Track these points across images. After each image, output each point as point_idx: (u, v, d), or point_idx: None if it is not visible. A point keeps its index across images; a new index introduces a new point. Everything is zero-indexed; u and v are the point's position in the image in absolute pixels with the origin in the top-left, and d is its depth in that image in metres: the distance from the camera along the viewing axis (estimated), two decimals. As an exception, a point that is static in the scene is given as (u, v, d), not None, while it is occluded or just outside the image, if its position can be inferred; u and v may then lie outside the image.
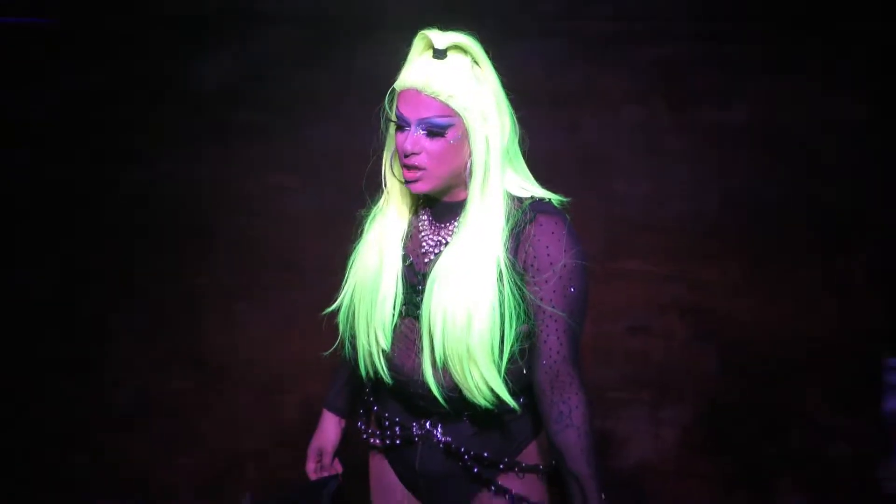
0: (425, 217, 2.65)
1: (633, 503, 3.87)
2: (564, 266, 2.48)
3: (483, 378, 2.53)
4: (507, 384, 2.57)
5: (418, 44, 2.58)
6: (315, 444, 3.01)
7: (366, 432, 2.87)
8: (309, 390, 3.91)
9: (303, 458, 3.64)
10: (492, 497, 2.71)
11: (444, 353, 2.59)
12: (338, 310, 2.75)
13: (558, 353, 2.52)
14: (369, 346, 2.74)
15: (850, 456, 3.78)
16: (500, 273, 2.57)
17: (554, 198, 2.61)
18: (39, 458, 4.00)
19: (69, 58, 3.80)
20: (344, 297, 2.75)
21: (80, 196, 3.86)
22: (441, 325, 2.57)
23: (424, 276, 2.67)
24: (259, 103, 3.81)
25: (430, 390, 2.64)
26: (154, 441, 4.00)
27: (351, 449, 3.05)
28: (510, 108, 2.59)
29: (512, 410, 2.58)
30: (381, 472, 2.89)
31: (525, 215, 2.52)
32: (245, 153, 3.84)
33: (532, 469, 2.67)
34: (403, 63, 2.59)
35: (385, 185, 2.72)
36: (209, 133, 3.83)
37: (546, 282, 2.47)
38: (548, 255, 2.47)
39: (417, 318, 2.66)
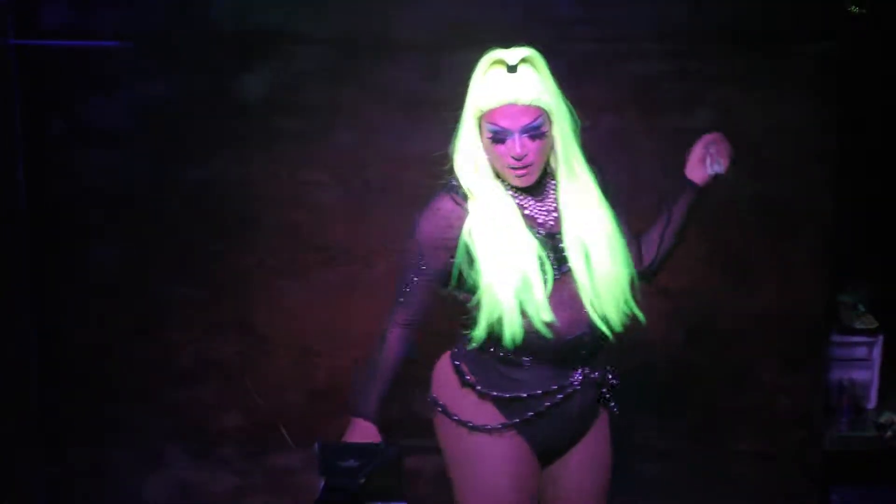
0: (522, 197, 2.92)
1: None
2: None
3: (628, 306, 2.92)
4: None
5: (486, 64, 2.84)
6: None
7: (495, 424, 2.97)
8: (339, 355, 4.07)
9: (332, 412, 4.02)
10: (603, 412, 3.09)
11: (604, 297, 2.88)
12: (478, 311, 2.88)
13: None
14: (530, 318, 2.84)
15: (793, 410, 4.02)
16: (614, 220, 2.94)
17: None
18: (112, 409, 4.13)
19: (139, 72, 3.91)
20: (486, 288, 2.85)
21: (148, 189, 3.98)
22: (597, 276, 2.88)
23: (558, 242, 2.90)
24: (296, 111, 3.91)
25: (598, 334, 2.90)
26: (209, 396, 4.12)
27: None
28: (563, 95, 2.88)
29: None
30: (507, 447, 2.98)
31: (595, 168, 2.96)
32: (284, 154, 3.94)
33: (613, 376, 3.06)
34: (469, 85, 2.84)
35: (466, 187, 2.87)
36: (254, 137, 3.93)
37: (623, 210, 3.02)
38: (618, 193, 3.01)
39: (566, 278, 2.89)
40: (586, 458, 3.10)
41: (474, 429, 3.00)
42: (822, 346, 4.06)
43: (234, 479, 4.23)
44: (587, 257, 2.89)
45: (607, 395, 3.06)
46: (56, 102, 3.98)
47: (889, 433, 4.10)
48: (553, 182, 2.94)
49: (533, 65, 2.85)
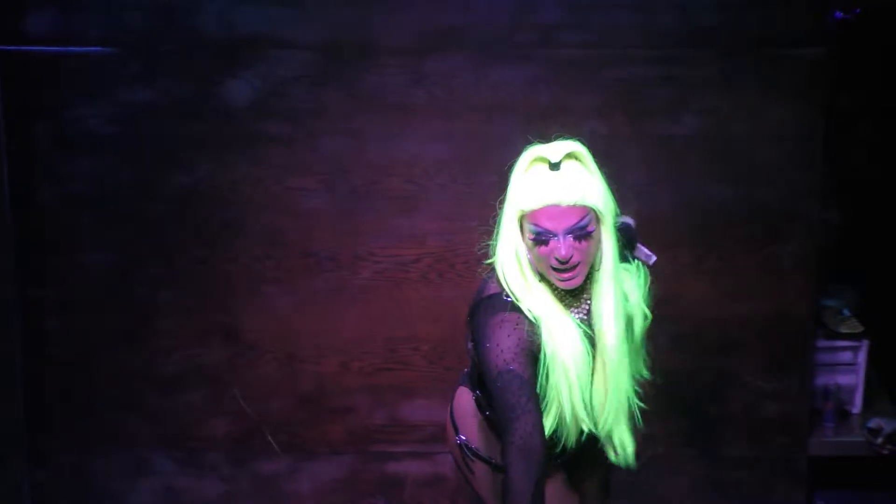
0: (565, 296, 2.80)
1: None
2: None
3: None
4: None
5: (527, 161, 2.68)
6: None
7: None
8: (323, 361, 4.08)
9: (318, 418, 4.03)
10: None
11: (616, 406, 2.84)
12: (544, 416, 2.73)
13: None
14: (579, 419, 2.78)
15: (778, 415, 4.02)
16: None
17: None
18: (97, 416, 4.12)
19: (124, 78, 3.90)
20: (552, 404, 2.74)
21: (133, 195, 3.97)
22: (613, 371, 2.81)
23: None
24: (281, 117, 3.89)
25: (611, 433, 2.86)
26: (195, 402, 4.10)
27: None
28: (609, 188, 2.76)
29: None
30: (557, 487, 2.96)
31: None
32: (269, 160, 3.92)
33: None
34: (511, 182, 2.70)
35: (514, 296, 2.73)
36: (240, 143, 3.92)
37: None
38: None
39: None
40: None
41: (497, 468, 2.93)
42: (808, 351, 4.05)
43: (221, 486, 4.22)
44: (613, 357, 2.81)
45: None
46: (41, 108, 3.97)
47: (880, 439, 4.10)
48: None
49: (578, 160, 2.71)
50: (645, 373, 2.98)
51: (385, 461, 4.16)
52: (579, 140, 2.73)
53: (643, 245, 3.01)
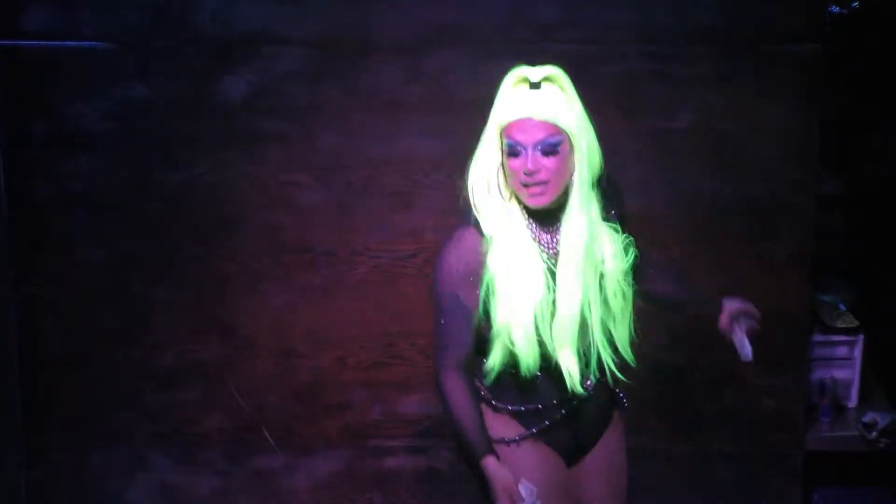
0: (532, 226, 2.89)
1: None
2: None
3: (621, 341, 2.96)
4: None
5: (511, 80, 2.82)
6: (500, 486, 2.88)
7: (517, 436, 2.99)
8: (320, 357, 4.08)
9: (314, 414, 4.04)
10: (618, 414, 3.13)
11: (593, 332, 2.90)
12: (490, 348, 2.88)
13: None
14: (541, 345, 2.85)
15: (775, 410, 4.02)
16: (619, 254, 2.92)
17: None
18: (94, 413, 4.12)
19: (120, 75, 3.90)
20: (504, 325, 2.83)
21: (130, 191, 3.97)
22: (587, 313, 2.87)
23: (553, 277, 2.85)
24: (278, 113, 3.90)
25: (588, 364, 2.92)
26: (191, 398, 4.10)
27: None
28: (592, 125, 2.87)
29: None
30: (534, 452, 3.00)
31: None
32: (266, 156, 3.93)
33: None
34: (494, 100, 2.83)
35: (477, 212, 2.85)
36: (236, 139, 3.92)
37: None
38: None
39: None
40: (604, 464, 3.14)
41: (494, 442, 2.97)
42: (803, 347, 4.06)
43: (218, 482, 4.22)
44: (583, 297, 2.87)
45: (620, 395, 3.12)
46: (37, 105, 3.97)
47: (874, 433, 4.11)
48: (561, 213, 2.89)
49: (558, 84, 2.83)
50: (628, 350, 2.99)
51: (382, 456, 4.16)
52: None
53: (747, 337, 3.06)
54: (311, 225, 4.01)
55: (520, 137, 2.78)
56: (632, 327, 2.97)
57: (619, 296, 2.94)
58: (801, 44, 3.83)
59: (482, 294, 2.84)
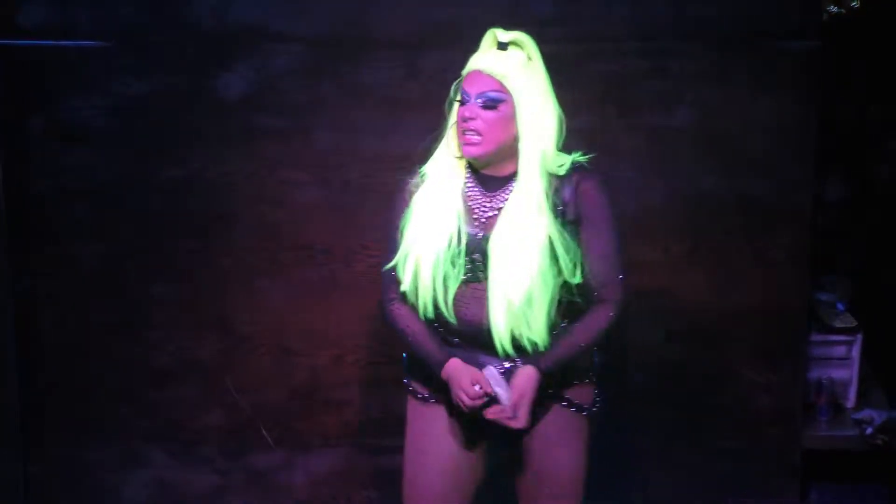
0: (476, 188, 2.99)
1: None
2: (609, 214, 2.96)
3: (538, 328, 2.92)
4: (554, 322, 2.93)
5: (486, 39, 2.96)
6: (467, 379, 2.96)
7: (429, 393, 3.13)
8: (318, 354, 4.09)
9: (312, 411, 4.04)
10: (560, 409, 3.07)
11: (507, 309, 2.89)
12: (398, 268, 3.01)
13: (609, 278, 2.97)
14: (436, 301, 2.95)
15: (772, 408, 4.01)
16: (550, 239, 2.90)
17: (583, 159, 2.99)
18: (92, 409, 4.13)
19: (118, 71, 3.92)
20: (402, 257, 2.99)
21: (127, 187, 3.97)
22: (504, 287, 2.89)
23: (484, 241, 2.93)
24: (276, 110, 3.91)
25: (497, 342, 2.93)
26: (188, 395, 4.11)
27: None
28: (556, 102, 2.96)
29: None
30: (437, 417, 3.13)
31: (574, 176, 2.92)
32: (264, 152, 3.93)
33: (582, 380, 3.09)
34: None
35: (433, 160, 3.03)
36: (233, 136, 3.93)
37: (598, 228, 2.94)
38: (599, 206, 2.94)
39: (480, 279, 2.94)
40: (534, 455, 3.13)
41: (412, 396, 3.19)
42: (802, 345, 4.05)
43: (215, 479, 4.22)
44: (504, 268, 2.91)
45: (550, 392, 3.07)
46: (35, 101, 3.98)
47: (870, 430, 4.10)
48: (512, 185, 2.97)
49: (524, 50, 2.93)
50: (543, 335, 2.97)
51: (379, 454, 4.15)
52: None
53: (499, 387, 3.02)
54: (308, 222, 4.01)
55: (467, 87, 2.91)
56: (552, 312, 2.96)
57: (543, 277, 2.93)
58: (799, 40, 3.83)
59: (402, 224, 3.02)
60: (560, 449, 3.12)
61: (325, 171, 3.97)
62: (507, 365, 3.01)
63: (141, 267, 4.07)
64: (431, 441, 3.16)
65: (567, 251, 2.94)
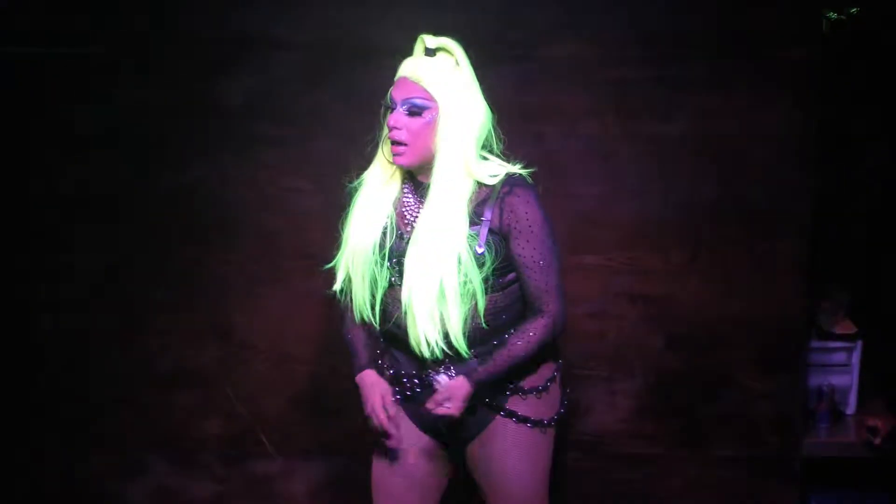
0: (409, 194, 3.02)
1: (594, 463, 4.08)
2: (540, 226, 2.93)
3: (454, 334, 2.93)
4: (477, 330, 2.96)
5: (417, 45, 2.96)
6: (376, 398, 3.10)
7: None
8: (318, 362, 4.08)
9: (311, 419, 4.02)
10: (502, 420, 3.08)
11: (420, 314, 2.92)
12: (336, 269, 3.12)
13: (544, 288, 2.96)
14: (365, 302, 3.02)
15: (772, 415, 4.01)
16: (467, 249, 2.90)
17: (522, 172, 2.97)
18: (91, 416, 4.13)
19: (117, 78, 3.91)
20: (339, 257, 3.06)
21: (128, 194, 3.98)
22: (416, 292, 2.92)
23: (405, 245, 2.96)
24: (276, 117, 3.90)
25: (413, 344, 2.97)
26: (188, 402, 4.11)
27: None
28: (487, 108, 2.95)
29: (499, 344, 2.98)
30: (395, 423, 3.15)
31: (503, 188, 2.90)
32: (264, 160, 3.93)
33: (531, 391, 3.08)
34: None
35: (373, 165, 3.08)
36: (233, 143, 3.93)
37: (528, 239, 2.92)
38: (527, 218, 2.92)
39: (401, 283, 2.97)
40: (481, 464, 3.15)
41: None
42: (802, 352, 4.04)
43: (214, 486, 4.22)
44: (415, 272, 2.94)
45: (488, 401, 3.08)
46: (34, 108, 3.98)
47: (878, 439, 4.10)
48: None
49: (451, 55, 2.94)
50: (460, 340, 3.00)
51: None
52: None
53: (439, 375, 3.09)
54: (308, 230, 4.00)
55: (395, 94, 2.94)
56: (467, 317, 2.97)
57: (454, 284, 2.94)
58: (798, 48, 3.83)
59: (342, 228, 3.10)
60: (505, 461, 3.12)
61: (325, 178, 3.93)
62: (441, 372, 3.06)
63: (141, 274, 4.07)
64: (394, 443, 3.20)
65: (479, 261, 2.94)
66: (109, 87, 3.95)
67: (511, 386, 3.08)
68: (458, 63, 2.95)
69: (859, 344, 4.28)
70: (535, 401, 3.12)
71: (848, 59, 4.38)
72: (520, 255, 2.98)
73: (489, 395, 3.06)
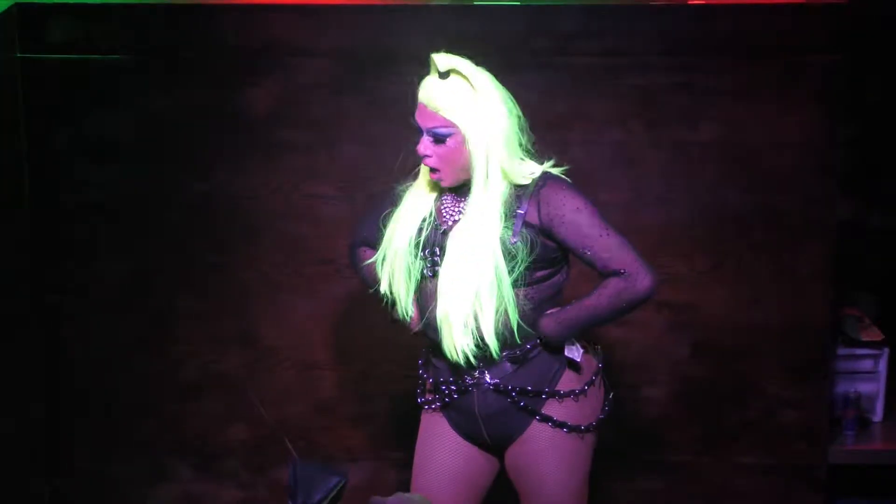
0: (449, 194, 3.05)
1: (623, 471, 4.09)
2: (583, 206, 2.93)
3: (487, 332, 2.94)
4: (517, 331, 2.95)
5: (431, 65, 2.95)
6: None
7: (424, 399, 3.22)
8: (343, 368, 4.10)
9: (336, 425, 4.05)
10: (539, 425, 3.06)
11: (453, 312, 2.94)
12: (377, 267, 3.11)
13: (630, 255, 2.92)
14: (404, 298, 3.07)
15: (798, 423, 4.01)
16: (500, 245, 2.92)
17: (556, 170, 2.99)
18: (116, 423, 4.15)
19: (143, 85, 3.94)
20: (381, 254, 3.09)
21: (153, 202, 4.00)
22: (450, 291, 2.94)
23: (443, 236, 3.00)
24: (300, 124, 3.91)
25: (445, 343, 2.98)
26: (213, 409, 4.12)
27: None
28: (513, 110, 2.96)
29: (533, 347, 2.99)
30: (433, 424, 3.19)
31: (539, 183, 2.93)
32: (288, 166, 3.94)
33: (568, 395, 3.05)
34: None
35: (419, 171, 3.09)
36: (258, 150, 3.94)
37: (575, 221, 2.92)
38: (565, 203, 2.92)
39: (437, 274, 3.00)
40: (519, 472, 3.15)
41: (421, 405, 3.26)
42: (828, 359, 4.03)
43: (239, 493, 4.22)
44: (454, 266, 2.96)
45: (523, 405, 3.07)
46: (61, 116, 3.99)
47: None
48: None
49: (464, 76, 2.93)
50: (494, 342, 2.99)
51: (404, 468, 4.10)
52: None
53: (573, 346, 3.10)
54: (332, 236, 4.00)
55: (419, 120, 2.97)
56: (500, 315, 2.97)
57: (491, 281, 2.95)
58: (824, 54, 3.82)
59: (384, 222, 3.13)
60: (541, 467, 3.11)
61: (349, 184, 3.97)
62: (481, 375, 3.06)
63: (166, 281, 4.08)
64: (437, 446, 3.21)
65: (511, 252, 2.95)
66: (136, 95, 3.97)
67: (547, 389, 3.06)
68: (472, 83, 2.94)
69: (886, 351, 4.26)
70: (573, 405, 3.09)
71: (875, 64, 4.36)
72: (573, 241, 2.95)
73: (527, 400, 3.06)
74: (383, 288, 3.14)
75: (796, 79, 3.84)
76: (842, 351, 4.22)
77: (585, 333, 3.12)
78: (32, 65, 3.96)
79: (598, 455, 3.95)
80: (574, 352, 3.09)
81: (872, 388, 4.29)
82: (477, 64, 2.94)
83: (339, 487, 3.14)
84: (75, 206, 4.05)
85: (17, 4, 3.91)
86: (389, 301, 3.16)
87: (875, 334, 4.29)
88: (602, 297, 2.98)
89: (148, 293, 4.10)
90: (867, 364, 4.28)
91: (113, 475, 4.21)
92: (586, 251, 2.96)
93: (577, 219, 2.94)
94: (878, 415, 4.32)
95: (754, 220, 3.93)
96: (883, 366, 4.27)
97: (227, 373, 4.13)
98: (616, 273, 2.95)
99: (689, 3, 3.87)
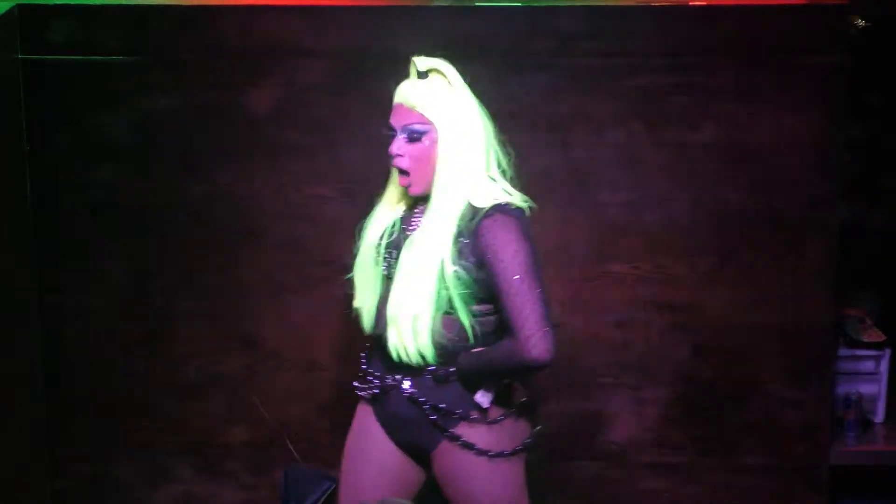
0: (420, 205, 3.04)
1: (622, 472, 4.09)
2: (518, 247, 2.84)
3: (423, 342, 2.94)
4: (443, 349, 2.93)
5: (411, 68, 2.96)
6: None
7: (356, 385, 3.18)
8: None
9: (338, 426, 3.97)
10: (447, 444, 3.03)
11: (395, 317, 2.95)
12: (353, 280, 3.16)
13: (533, 317, 2.82)
14: (361, 301, 3.10)
15: (800, 424, 4.00)
16: (443, 266, 2.89)
17: (519, 203, 2.90)
18: (117, 423, 4.14)
19: (145, 86, 3.93)
20: (354, 262, 3.16)
21: (154, 203, 3.99)
22: (401, 295, 2.95)
23: (402, 240, 3.01)
24: (300, 125, 3.91)
25: (390, 344, 2.99)
26: (215, 410, 4.11)
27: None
28: (489, 127, 2.93)
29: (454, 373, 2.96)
30: (362, 417, 3.22)
31: (486, 214, 2.85)
32: (290, 168, 3.94)
33: (480, 421, 3.01)
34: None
35: (390, 182, 3.10)
36: (260, 151, 3.94)
37: (499, 259, 2.84)
38: (498, 237, 2.85)
39: (393, 276, 3.02)
40: (444, 490, 3.14)
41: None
42: (829, 360, 4.03)
43: (241, 494, 4.22)
44: (405, 272, 2.96)
45: (434, 420, 3.05)
46: (63, 117, 3.99)
47: None
48: None
49: (445, 77, 2.94)
50: (429, 348, 2.99)
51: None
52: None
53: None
54: (334, 237, 3.93)
55: (393, 121, 2.97)
56: (437, 327, 2.95)
57: (430, 296, 2.94)
58: (825, 55, 3.82)
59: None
60: (455, 484, 3.09)
61: (351, 185, 3.96)
62: (398, 379, 3.07)
63: (167, 282, 4.08)
64: (369, 444, 3.21)
65: (452, 282, 2.92)
66: (138, 96, 3.97)
67: (459, 412, 3.03)
68: (450, 83, 2.95)
69: (888, 352, 4.27)
70: (484, 429, 3.04)
71: (876, 65, 4.36)
72: (496, 277, 2.89)
73: (438, 416, 3.04)
74: (357, 304, 3.17)
75: (797, 79, 3.84)
76: (843, 352, 4.23)
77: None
78: (33, 66, 3.95)
79: (599, 456, 3.99)
80: (482, 397, 3.04)
81: (874, 388, 4.30)
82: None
83: (329, 492, 3.16)
84: (76, 207, 4.05)
85: (18, 5, 3.91)
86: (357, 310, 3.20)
87: (877, 335, 4.29)
88: (499, 350, 2.94)
89: (148, 293, 4.09)
90: (869, 365, 4.29)
91: (114, 476, 4.20)
92: (501, 293, 2.88)
93: (504, 255, 2.87)
94: (879, 416, 4.32)
95: (755, 220, 3.93)
96: (884, 366, 4.28)
97: (229, 374, 4.12)
98: (514, 329, 2.87)
99: (691, 3, 3.87)
